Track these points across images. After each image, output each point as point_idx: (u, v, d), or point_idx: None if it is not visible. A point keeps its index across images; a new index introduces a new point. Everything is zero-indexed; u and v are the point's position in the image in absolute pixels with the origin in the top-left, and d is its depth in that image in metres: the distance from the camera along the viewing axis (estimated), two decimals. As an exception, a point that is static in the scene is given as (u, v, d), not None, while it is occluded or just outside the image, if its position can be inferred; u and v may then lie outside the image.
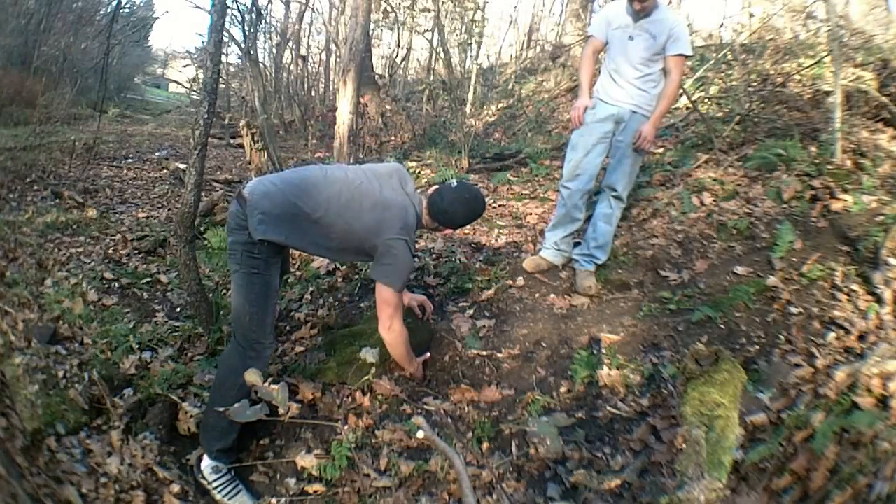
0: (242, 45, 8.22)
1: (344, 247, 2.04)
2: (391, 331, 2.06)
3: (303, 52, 13.01)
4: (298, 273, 3.66)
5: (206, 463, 2.00)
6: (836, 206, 2.76)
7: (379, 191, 2.02)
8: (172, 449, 2.15)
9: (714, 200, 3.23)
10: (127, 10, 16.71)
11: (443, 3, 7.74)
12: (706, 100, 4.82)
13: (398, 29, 9.98)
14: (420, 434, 1.49)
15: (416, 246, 2.99)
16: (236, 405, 1.48)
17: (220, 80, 6.44)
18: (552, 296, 2.83)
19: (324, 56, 13.39)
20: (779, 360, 2.03)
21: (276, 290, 2.09)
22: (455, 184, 2.08)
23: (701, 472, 1.19)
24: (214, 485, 1.97)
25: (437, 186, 2.12)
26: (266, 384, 1.48)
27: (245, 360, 1.92)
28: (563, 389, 2.20)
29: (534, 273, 3.00)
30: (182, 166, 6.84)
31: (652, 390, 2.05)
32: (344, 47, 5.34)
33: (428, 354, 2.44)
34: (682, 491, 1.16)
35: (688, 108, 4.76)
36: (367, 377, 2.03)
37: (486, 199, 4.30)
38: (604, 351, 2.31)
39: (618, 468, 1.77)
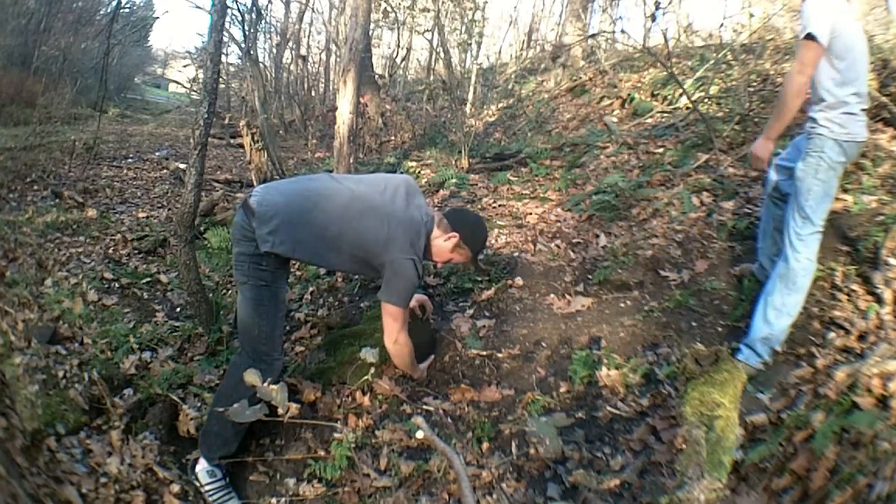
0: (242, 45, 8.23)
1: (351, 260, 2.01)
2: (397, 343, 2.04)
3: (303, 52, 13.03)
4: (298, 273, 3.66)
5: (203, 466, 1.99)
6: (836, 206, 2.75)
7: (390, 204, 1.99)
8: (172, 449, 2.15)
9: (714, 200, 3.22)
10: (127, 10, 16.72)
11: (443, 3, 7.74)
12: (706, 100, 4.82)
13: (398, 29, 9.99)
14: (420, 434, 1.49)
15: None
16: (235, 405, 1.48)
17: (220, 80, 6.45)
18: (552, 296, 2.83)
19: (324, 56, 13.41)
20: (779, 360, 2.03)
21: (284, 301, 2.08)
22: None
23: (701, 472, 1.19)
24: (207, 488, 1.97)
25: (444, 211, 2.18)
26: (265, 384, 1.48)
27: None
28: (562, 389, 2.20)
29: None
30: (182, 166, 6.84)
31: (652, 390, 2.05)
32: (344, 47, 5.33)
33: (433, 357, 2.44)
34: (682, 491, 1.16)
35: (688, 108, 4.76)
36: (366, 377, 2.03)
37: (486, 199, 4.33)
38: (603, 351, 2.31)
39: (618, 468, 1.77)
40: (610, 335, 2.43)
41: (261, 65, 9.81)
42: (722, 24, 6.45)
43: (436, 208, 4.28)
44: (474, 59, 8.16)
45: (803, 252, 2.01)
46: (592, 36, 7.53)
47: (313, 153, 8.05)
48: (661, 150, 4.29)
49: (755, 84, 4.66)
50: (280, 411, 1.49)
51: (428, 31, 9.35)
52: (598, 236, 3.30)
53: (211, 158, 7.95)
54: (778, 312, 2.02)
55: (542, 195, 4.20)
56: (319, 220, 1.93)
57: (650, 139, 4.57)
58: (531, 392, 2.18)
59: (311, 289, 3.37)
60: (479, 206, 4.20)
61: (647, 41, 7.14)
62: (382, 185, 2.07)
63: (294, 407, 1.52)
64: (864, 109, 2.00)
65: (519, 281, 2.95)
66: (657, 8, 4.89)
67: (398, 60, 10.76)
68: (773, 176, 2.30)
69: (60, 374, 2.25)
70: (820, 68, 1.98)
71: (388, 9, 8.64)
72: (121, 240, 4.33)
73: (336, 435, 2.01)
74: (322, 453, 2.01)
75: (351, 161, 4.45)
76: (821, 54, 1.94)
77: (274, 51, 12.83)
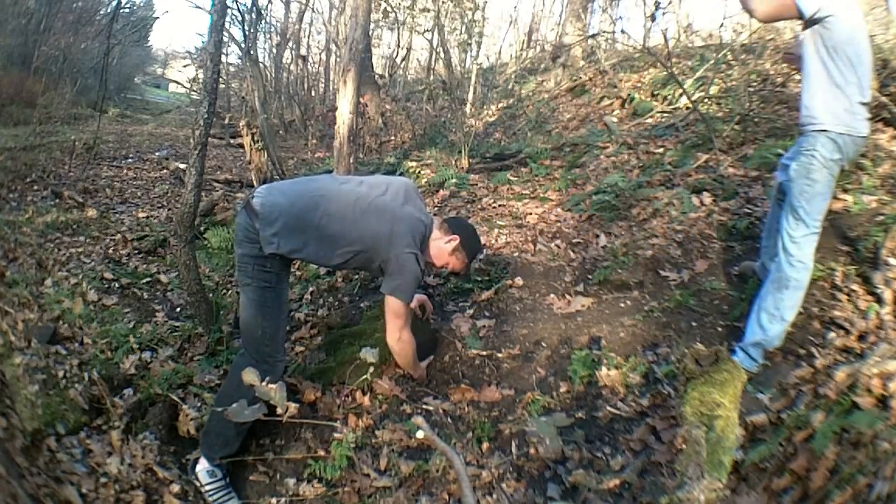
0: (242, 45, 8.23)
1: (355, 259, 2.02)
2: (400, 341, 2.06)
3: (303, 52, 13.03)
4: (298, 273, 3.66)
5: (203, 466, 2.00)
6: (836, 206, 2.75)
7: (391, 204, 2.01)
8: (172, 449, 2.15)
9: (714, 200, 3.22)
10: (127, 10, 16.72)
11: (443, 3, 7.73)
12: (706, 100, 4.82)
13: (398, 29, 9.99)
14: (420, 434, 1.49)
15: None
16: (234, 405, 1.48)
17: (220, 80, 6.45)
18: (552, 296, 2.83)
19: (324, 56, 13.41)
20: (779, 360, 2.03)
21: (287, 302, 2.09)
22: None
23: (701, 472, 1.19)
24: (207, 488, 1.97)
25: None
26: (264, 384, 1.48)
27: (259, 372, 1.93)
28: (562, 389, 2.20)
29: None
30: (182, 166, 6.84)
31: (652, 390, 2.05)
32: (344, 47, 5.34)
33: (432, 357, 2.44)
34: (682, 491, 1.16)
35: (688, 108, 4.76)
36: (366, 377, 2.03)
37: (486, 199, 4.32)
38: (603, 351, 2.31)
39: (618, 468, 1.77)
40: (610, 335, 2.43)
41: (261, 65, 9.81)
42: (722, 24, 6.48)
43: (435, 209, 4.28)
44: (474, 59, 8.15)
45: (796, 255, 1.97)
46: (592, 36, 7.53)
47: (313, 153, 8.06)
48: (661, 150, 4.29)
49: (755, 84, 4.67)
50: (279, 411, 1.49)
51: (428, 31, 9.35)
52: (598, 236, 3.30)
53: (211, 158, 7.95)
54: (771, 317, 1.99)
55: (542, 195, 4.20)
56: (323, 221, 1.94)
57: (650, 139, 4.57)
58: (531, 392, 2.18)
59: (311, 289, 3.38)
60: (479, 206, 4.20)
61: (647, 41, 7.15)
62: (384, 186, 2.08)
63: (293, 406, 1.52)
64: (863, 103, 1.94)
65: (519, 281, 2.95)
66: (657, 8, 4.90)
67: (398, 60, 10.76)
68: (779, 176, 2.25)
69: (60, 374, 2.25)
70: (814, 57, 1.94)
71: (388, 9, 8.64)
72: (121, 240, 4.33)
73: (336, 435, 2.01)
74: (322, 453, 2.01)
75: (351, 161, 4.45)
76: (789, 9, 1.90)
77: (274, 51, 12.84)
